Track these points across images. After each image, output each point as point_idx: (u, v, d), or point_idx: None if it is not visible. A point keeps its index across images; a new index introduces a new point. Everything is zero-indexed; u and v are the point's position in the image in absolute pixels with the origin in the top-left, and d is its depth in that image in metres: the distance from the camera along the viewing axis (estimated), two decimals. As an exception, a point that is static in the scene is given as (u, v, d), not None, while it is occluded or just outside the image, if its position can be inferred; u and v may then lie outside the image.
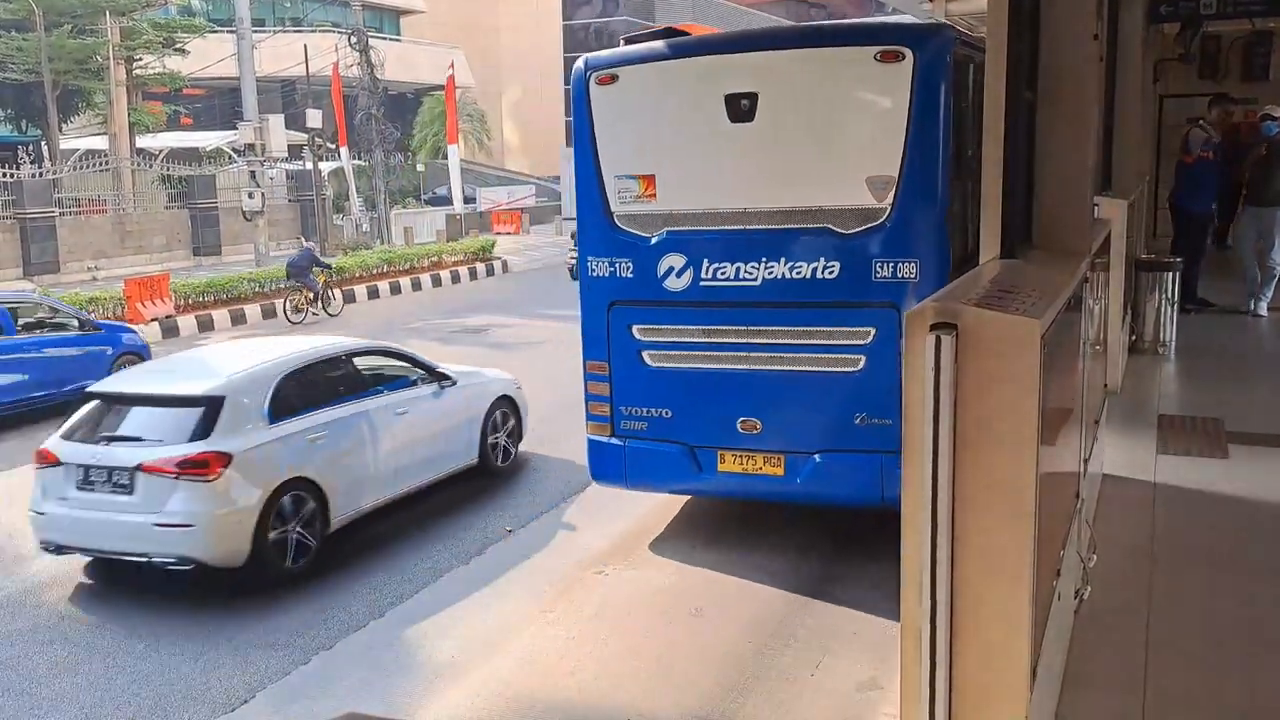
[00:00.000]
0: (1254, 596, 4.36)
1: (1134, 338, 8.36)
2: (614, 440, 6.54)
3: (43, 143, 28.70)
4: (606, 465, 6.68)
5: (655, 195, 6.21)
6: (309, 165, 29.42)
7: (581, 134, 6.39)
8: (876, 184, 5.72)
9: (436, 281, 23.01)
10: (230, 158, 31.35)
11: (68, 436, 6.68)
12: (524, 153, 58.92)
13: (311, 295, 18.00)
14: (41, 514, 6.51)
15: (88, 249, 25.04)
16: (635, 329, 6.36)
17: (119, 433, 6.62)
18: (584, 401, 6.65)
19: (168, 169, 28.41)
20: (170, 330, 16.66)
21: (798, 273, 5.93)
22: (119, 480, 6.26)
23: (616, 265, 6.38)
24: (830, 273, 5.86)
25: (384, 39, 41.70)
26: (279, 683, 5.26)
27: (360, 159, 31.33)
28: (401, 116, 42.94)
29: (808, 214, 5.87)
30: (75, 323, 11.86)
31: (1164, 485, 5.58)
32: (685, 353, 6.29)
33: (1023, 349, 2.36)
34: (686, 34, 6.71)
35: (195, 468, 6.14)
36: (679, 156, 6.21)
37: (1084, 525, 3.95)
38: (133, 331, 13.14)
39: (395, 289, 21.70)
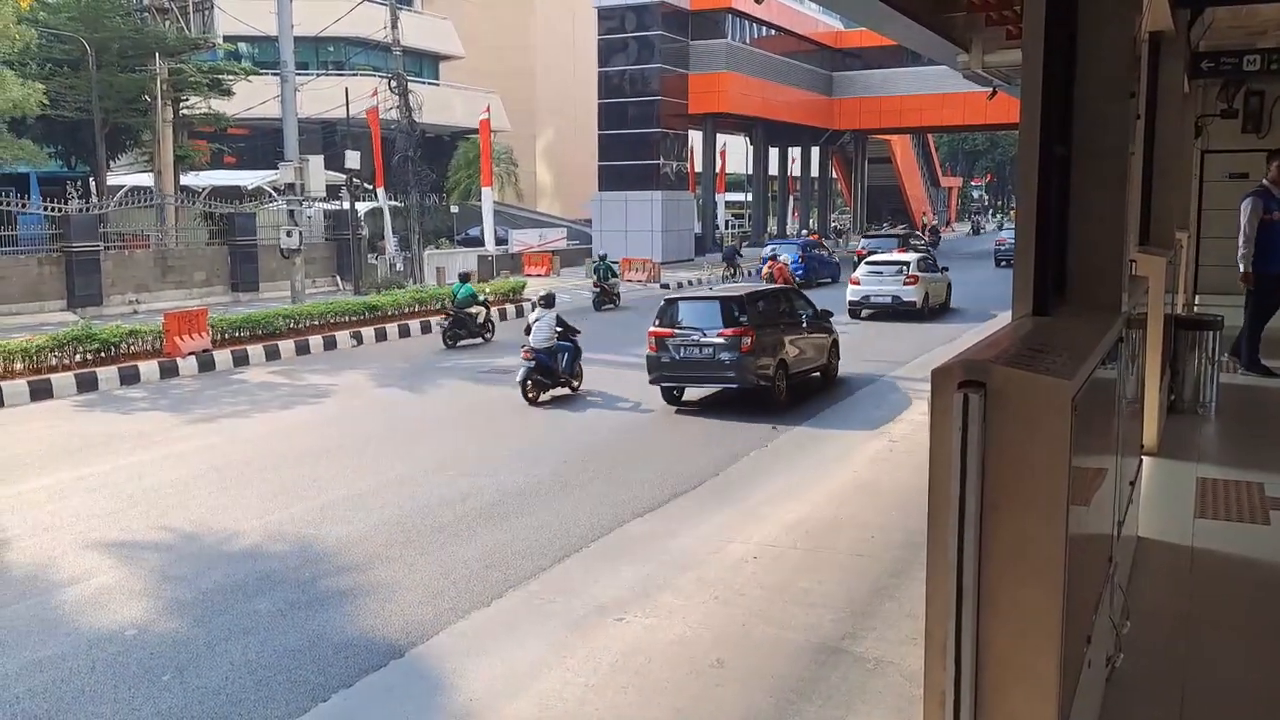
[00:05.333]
0: (1294, 667, 4.22)
1: (1173, 397, 8.22)
2: None
3: (90, 178, 29.39)
4: None
5: None
6: (346, 205, 29.89)
7: None
8: None
9: (468, 322, 23.18)
10: (271, 196, 31.93)
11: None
12: (556, 196, 59.58)
13: (732, 271, 32.68)
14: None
15: (130, 282, 25.52)
16: None
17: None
18: None
19: (210, 206, 28.98)
20: (206, 364, 16.88)
21: None
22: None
23: None
24: None
25: (423, 83, 42.53)
26: (296, 722, 5.23)
27: (396, 200, 31.80)
28: (437, 159, 43.61)
29: None
30: (827, 251, 33.59)
31: (1201, 550, 5.45)
32: None
33: (1052, 410, 2.32)
34: None
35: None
36: None
37: (1117, 590, 3.86)
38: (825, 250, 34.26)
39: (426, 328, 21.87)
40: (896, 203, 69.83)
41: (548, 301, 14.54)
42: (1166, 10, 7.21)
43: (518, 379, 13.74)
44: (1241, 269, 9.54)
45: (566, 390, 14.08)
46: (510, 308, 24.90)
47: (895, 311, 22.17)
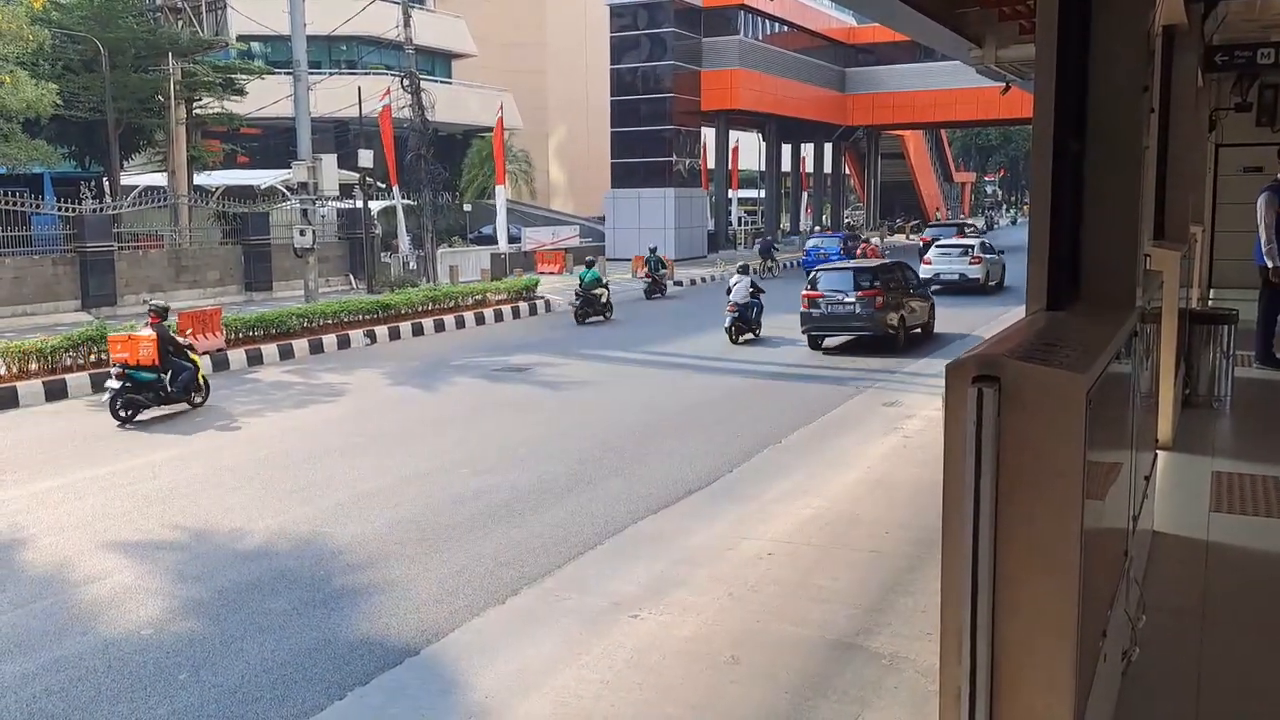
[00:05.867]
0: (1312, 663, 4.20)
1: (1187, 391, 8.19)
2: None
3: (104, 179, 29.58)
4: None
5: None
6: (359, 204, 29.97)
7: None
8: None
9: (480, 320, 23.24)
10: (284, 195, 32.06)
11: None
12: (569, 193, 59.65)
13: (770, 264, 33.86)
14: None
15: (144, 282, 25.67)
16: None
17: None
18: None
19: (223, 206, 29.11)
20: (221, 363, 16.96)
21: None
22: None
23: None
24: None
25: (435, 82, 42.61)
26: (314, 718, 5.25)
27: (409, 198, 31.88)
28: (450, 157, 43.71)
29: None
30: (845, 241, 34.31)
31: (1217, 544, 5.42)
32: None
33: (1067, 404, 2.32)
34: None
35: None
36: None
37: (1133, 584, 3.84)
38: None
39: (440, 326, 21.94)
40: (910, 198, 69.58)
41: (744, 270, 19.78)
42: (1180, 4, 7.17)
43: (724, 325, 18.76)
44: (1270, 264, 9.47)
45: (750, 335, 19.01)
46: (523, 305, 24.94)
47: (962, 287, 26.20)
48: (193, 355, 13.43)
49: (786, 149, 55.64)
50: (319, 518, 8.56)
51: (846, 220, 60.78)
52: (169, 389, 12.89)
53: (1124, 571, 3.56)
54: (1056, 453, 2.33)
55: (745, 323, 18.77)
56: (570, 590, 6.86)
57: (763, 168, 53.03)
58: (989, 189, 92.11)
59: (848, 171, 64.94)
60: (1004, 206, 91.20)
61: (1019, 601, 2.36)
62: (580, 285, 22.76)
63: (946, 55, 23.15)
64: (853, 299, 17.15)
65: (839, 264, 20.51)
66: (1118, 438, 3.33)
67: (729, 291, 19.17)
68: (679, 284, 31.90)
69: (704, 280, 33.23)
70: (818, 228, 52.45)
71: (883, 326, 17.13)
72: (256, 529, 8.31)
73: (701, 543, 7.68)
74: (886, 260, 22.00)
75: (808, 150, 57.63)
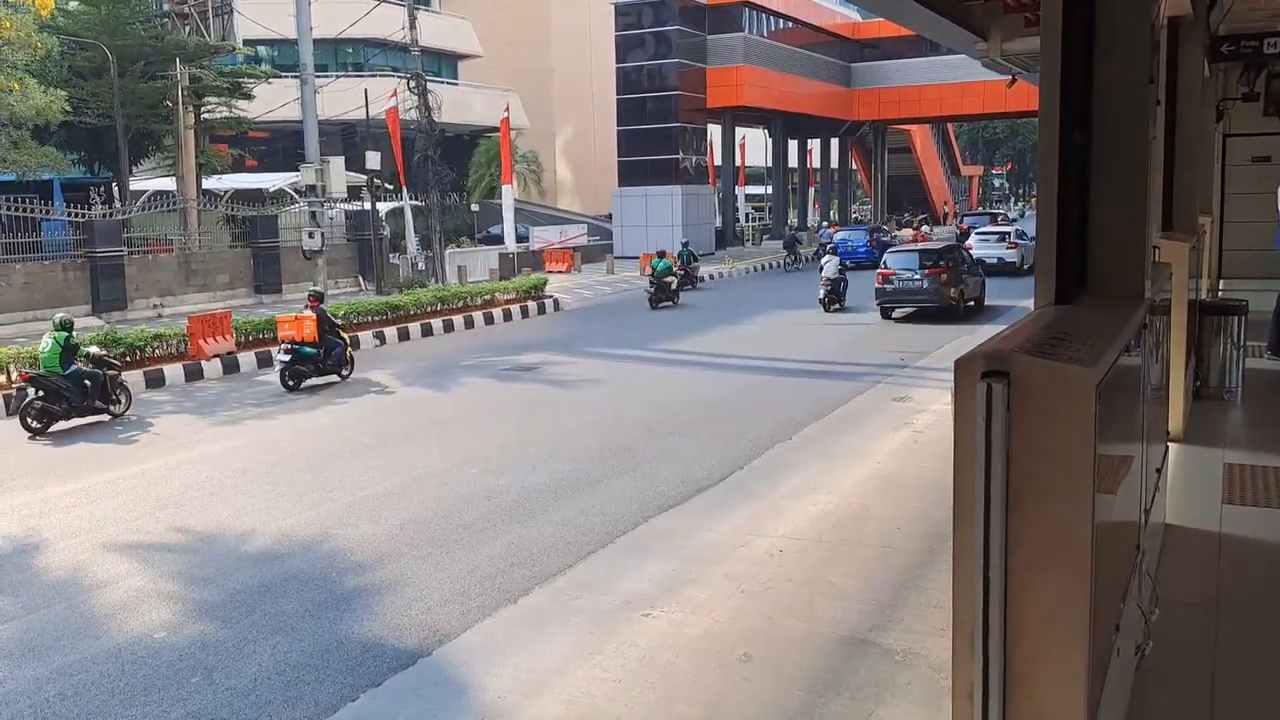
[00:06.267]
0: (1327, 655, 4.18)
1: (1198, 383, 8.15)
2: None
3: (113, 184, 29.67)
4: None
5: None
6: (367, 205, 30.01)
7: None
8: None
9: (489, 319, 23.26)
10: (292, 198, 32.11)
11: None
12: (576, 192, 59.61)
13: (794, 258, 35.73)
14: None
15: (154, 286, 25.77)
16: None
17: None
18: None
19: (232, 209, 29.18)
20: (231, 366, 17.02)
21: None
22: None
23: None
24: None
25: (442, 83, 42.62)
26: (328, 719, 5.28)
27: (417, 199, 31.90)
28: (457, 158, 43.71)
29: None
30: (890, 236, 37.34)
31: (1230, 536, 5.40)
32: None
33: (1077, 398, 2.31)
34: None
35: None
36: None
37: (1145, 577, 3.83)
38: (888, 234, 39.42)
39: (449, 327, 21.97)
40: (917, 192, 69.39)
41: (834, 250, 24.79)
42: (1186, -7, 7.13)
43: (819, 298, 22.57)
44: None
45: (837, 307, 22.53)
46: (532, 304, 24.96)
47: (1000, 269, 29.05)
48: (343, 335, 15.64)
49: (793, 145, 55.52)
50: (330, 519, 8.59)
51: (854, 215, 60.68)
52: (326, 362, 15.12)
53: (1136, 565, 3.55)
54: (1067, 447, 2.32)
55: (836, 295, 22.49)
56: (581, 589, 6.86)
57: (770, 164, 52.92)
58: (996, 182, 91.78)
59: (854, 166, 64.78)
60: (1011, 199, 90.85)
61: (1031, 596, 2.36)
62: (654, 273, 25.45)
63: (952, 49, 23.13)
64: (920, 276, 20.20)
65: (906, 247, 24.12)
66: (1128, 431, 3.32)
67: (821, 270, 23.13)
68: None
69: (713, 277, 33.18)
70: (825, 223, 52.40)
71: (945, 299, 20.11)
72: (267, 531, 8.34)
73: (713, 540, 7.68)
74: (946, 243, 25.74)
75: (814, 146, 57.51)
